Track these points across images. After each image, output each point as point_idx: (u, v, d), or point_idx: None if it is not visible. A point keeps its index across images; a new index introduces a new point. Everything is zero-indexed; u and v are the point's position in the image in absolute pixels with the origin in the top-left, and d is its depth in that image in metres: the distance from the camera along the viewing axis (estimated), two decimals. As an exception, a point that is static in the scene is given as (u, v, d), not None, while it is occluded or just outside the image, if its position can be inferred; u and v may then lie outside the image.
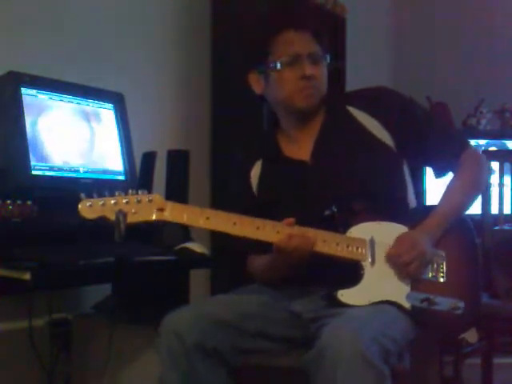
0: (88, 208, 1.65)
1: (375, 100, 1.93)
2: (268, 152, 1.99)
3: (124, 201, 1.66)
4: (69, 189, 2.13)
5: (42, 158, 2.14)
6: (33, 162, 2.09)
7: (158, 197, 1.70)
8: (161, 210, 1.69)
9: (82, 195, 1.65)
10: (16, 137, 2.08)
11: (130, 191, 1.69)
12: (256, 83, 1.96)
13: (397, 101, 1.94)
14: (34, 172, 2.09)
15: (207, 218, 1.71)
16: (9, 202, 1.85)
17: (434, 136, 1.92)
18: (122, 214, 1.64)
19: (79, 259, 1.93)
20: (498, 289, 2.65)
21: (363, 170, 1.86)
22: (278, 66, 1.86)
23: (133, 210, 1.66)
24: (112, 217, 1.64)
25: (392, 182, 1.90)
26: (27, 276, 1.78)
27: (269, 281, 1.92)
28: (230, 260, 2.07)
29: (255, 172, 1.99)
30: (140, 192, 1.69)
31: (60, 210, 2.04)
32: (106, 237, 2.07)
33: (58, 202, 2.04)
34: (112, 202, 1.66)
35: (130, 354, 2.38)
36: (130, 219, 1.66)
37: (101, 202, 1.65)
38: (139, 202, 1.67)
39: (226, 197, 2.05)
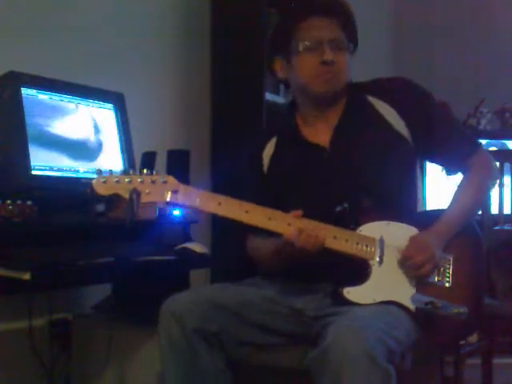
0: (102, 184, 1.65)
1: (396, 90, 1.93)
2: (285, 130, 1.98)
3: (139, 180, 1.67)
4: (69, 189, 2.13)
5: (42, 158, 2.14)
6: (33, 162, 2.09)
7: (171, 178, 1.70)
8: (174, 191, 1.69)
9: (98, 171, 1.66)
10: (16, 137, 2.08)
11: (145, 171, 1.69)
12: (280, 69, 1.95)
13: (416, 93, 1.94)
14: (33, 172, 2.09)
15: (219, 204, 1.71)
16: (9, 201, 1.85)
17: (447, 132, 1.91)
18: (136, 193, 1.64)
19: (79, 259, 1.93)
20: (497, 289, 2.65)
21: (379, 168, 1.85)
22: (300, 48, 1.86)
23: (147, 190, 1.66)
24: (126, 195, 1.64)
25: (405, 181, 1.90)
26: (27, 276, 1.78)
27: (270, 268, 1.92)
28: (229, 257, 2.06)
29: (268, 151, 1.98)
30: (154, 172, 1.69)
31: (60, 210, 2.04)
32: (105, 237, 2.08)
33: (58, 202, 2.04)
34: (127, 180, 1.66)
35: (130, 354, 2.38)
36: (144, 199, 1.66)
37: (115, 179, 1.65)
38: (153, 182, 1.68)
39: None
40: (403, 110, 1.89)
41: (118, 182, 1.65)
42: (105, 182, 1.65)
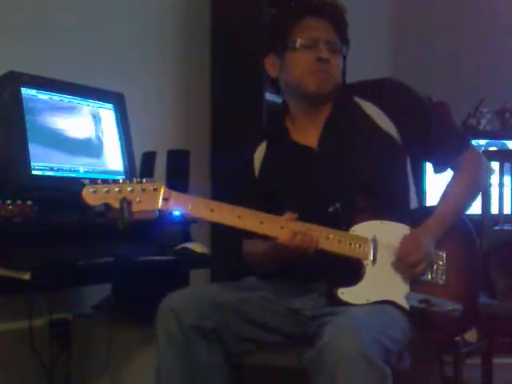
0: (92, 194, 1.63)
1: (382, 91, 1.93)
2: (274, 133, 1.98)
3: (129, 189, 1.64)
4: (69, 189, 2.13)
5: (42, 158, 2.14)
6: (33, 162, 2.09)
7: (162, 186, 1.68)
8: (165, 199, 1.67)
9: (87, 181, 1.63)
10: (16, 137, 2.08)
11: (135, 179, 1.66)
12: (271, 66, 1.95)
13: (404, 93, 1.94)
14: (33, 172, 2.09)
15: (211, 210, 1.70)
16: (9, 201, 1.85)
17: (436, 129, 1.91)
18: (126, 202, 1.62)
19: (79, 259, 1.93)
20: (496, 289, 2.65)
21: (368, 166, 1.85)
22: (297, 45, 1.86)
23: (137, 199, 1.65)
24: (116, 204, 1.62)
25: (396, 179, 1.90)
26: (27, 276, 1.78)
27: (265, 270, 1.92)
28: (229, 256, 2.06)
29: (259, 154, 1.98)
30: (145, 180, 1.67)
31: (60, 210, 2.04)
32: (105, 237, 2.08)
33: (58, 202, 2.04)
34: (116, 189, 1.63)
35: (130, 354, 2.38)
36: (135, 208, 1.64)
37: (105, 189, 1.63)
38: (144, 190, 1.65)
39: (226, 196, 2.04)
40: (391, 112, 1.89)
41: (107, 191, 1.63)
42: (94, 192, 1.63)
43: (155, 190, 1.67)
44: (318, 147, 1.91)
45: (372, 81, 1.98)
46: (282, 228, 1.72)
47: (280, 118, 2.00)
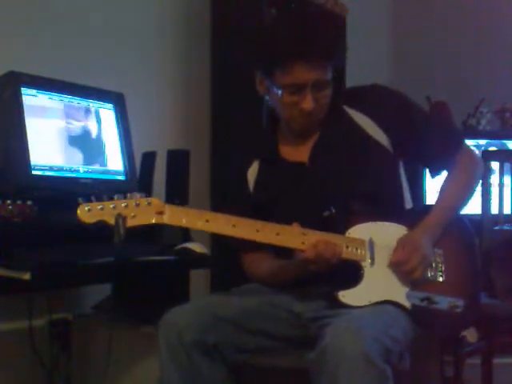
0: (87, 213, 1.64)
1: (370, 99, 1.92)
2: (265, 154, 1.98)
3: (123, 204, 1.66)
4: (69, 189, 2.13)
5: (42, 158, 2.14)
6: (33, 162, 2.09)
7: (156, 200, 1.69)
8: (160, 213, 1.68)
9: (80, 200, 1.64)
10: (16, 137, 2.08)
11: (129, 195, 1.68)
12: (260, 84, 1.90)
13: (392, 99, 1.93)
14: (33, 172, 2.09)
15: (206, 221, 1.70)
16: (9, 201, 1.85)
17: (429, 135, 1.91)
18: (121, 217, 1.64)
19: (79, 259, 1.93)
20: (497, 289, 2.65)
21: (360, 172, 1.86)
22: (282, 87, 1.80)
23: (132, 214, 1.66)
24: (111, 221, 1.64)
25: (388, 183, 1.90)
26: (27, 276, 1.78)
27: (277, 285, 1.91)
28: (229, 257, 2.06)
29: (252, 172, 1.98)
30: (138, 195, 1.68)
31: (60, 210, 2.04)
32: (105, 237, 2.08)
33: (57, 202, 2.04)
34: (111, 206, 1.65)
35: (130, 354, 2.38)
36: (130, 223, 1.65)
37: (99, 207, 1.64)
38: (138, 205, 1.67)
39: (225, 197, 2.04)
40: (379, 118, 1.88)
41: (102, 208, 1.64)
42: (89, 210, 1.64)
43: (149, 204, 1.68)
44: (308, 162, 1.90)
45: (359, 89, 1.96)
46: (277, 235, 1.72)
47: (269, 134, 1.98)
